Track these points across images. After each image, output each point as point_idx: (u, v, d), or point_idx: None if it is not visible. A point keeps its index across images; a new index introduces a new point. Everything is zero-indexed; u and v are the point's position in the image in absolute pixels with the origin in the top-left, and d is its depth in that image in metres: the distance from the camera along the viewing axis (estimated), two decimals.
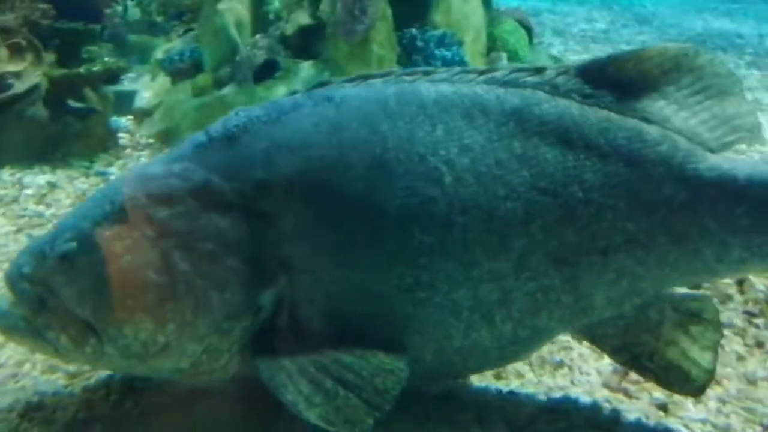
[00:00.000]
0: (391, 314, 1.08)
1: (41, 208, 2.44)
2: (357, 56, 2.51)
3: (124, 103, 3.34)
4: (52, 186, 2.61)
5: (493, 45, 2.98)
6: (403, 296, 1.07)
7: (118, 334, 1.07)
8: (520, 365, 1.47)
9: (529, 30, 3.44)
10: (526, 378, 1.44)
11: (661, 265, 1.12)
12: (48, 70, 2.85)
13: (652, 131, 1.11)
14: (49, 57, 3.04)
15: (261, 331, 1.08)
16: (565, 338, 1.57)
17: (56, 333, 1.09)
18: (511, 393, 1.38)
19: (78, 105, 2.93)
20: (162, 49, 3.47)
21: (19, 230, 2.23)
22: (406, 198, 1.06)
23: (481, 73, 1.15)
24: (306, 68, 2.63)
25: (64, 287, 1.08)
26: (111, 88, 3.25)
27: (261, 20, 2.99)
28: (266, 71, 2.64)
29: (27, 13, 2.98)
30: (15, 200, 2.48)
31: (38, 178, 2.67)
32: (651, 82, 1.13)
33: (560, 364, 1.47)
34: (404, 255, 1.06)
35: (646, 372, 1.21)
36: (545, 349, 1.52)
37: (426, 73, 1.15)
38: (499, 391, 1.38)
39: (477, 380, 1.40)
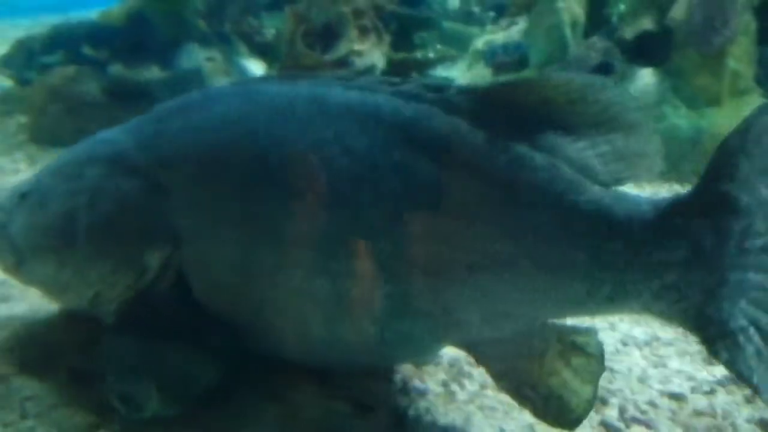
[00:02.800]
0: (256, 293, 1.16)
1: None
2: (708, 68, 2.35)
3: None
4: None
5: None
6: (266, 277, 1.15)
7: (32, 268, 1.28)
8: None
9: None
10: None
11: (531, 291, 1.09)
12: (388, 52, 3.10)
13: (537, 158, 1.09)
14: (386, 39, 3.31)
15: (146, 290, 1.20)
16: None
17: (2, 253, 1.32)
18: None
19: None
20: (483, 41, 3.58)
21: None
22: (279, 188, 1.14)
23: (393, 84, 1.18)
24: (645, 75, 2.53)
25: (13, 221, 1.30)
26: (431, 73, 3.44)
27: (596, 21, 2.94)
28: (600, 73, 2.59)
29: None
30: None
31: None
32: (555, 111, 1.09)
33: None
34: (269, 239, 1.14)
35: (526, 401, 1.16)
36: None
37: (347, 79, 1.21)
38: None
39: None
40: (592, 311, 1.14)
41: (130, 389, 1.12)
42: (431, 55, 2.99)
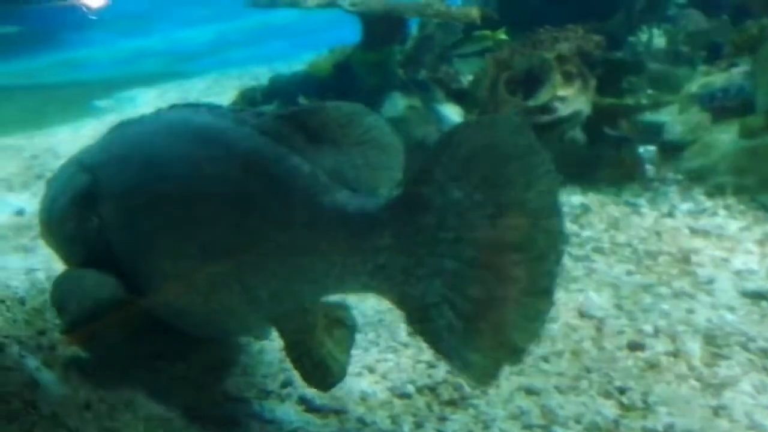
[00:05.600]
0: (142, 263, 1.53)
1: (575, 228, 2.59)
2: None
3: (648, 132, 3.32)
4: (585, 209, 2.74)
5: None
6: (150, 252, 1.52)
7: (42, 236, 1.83)
8: None
9: None
10: None
11: (298, 273, 1.35)
12: (595, 98, 2.99)
13: (305, 167, 1.34)
14: (591, 84, 3.20)
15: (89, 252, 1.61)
16: None
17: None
18: None
19: (614, 133, 3.02)
20: (698, 83, 3.34)
21: None
22: (144, 190, 1.51)
23: (235, 112, 1.46)
24: None
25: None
26: (639, 117, 3.27)
27: None
28: None
29: (581, 43, 3.17)
30: None
31: (572, 198, 2.84)
32: (329, 132, 1.37)
33: None
34: (144, 223, 1.51)
35: (301, 368, 1.43)
36: None
37: (210, 109, 1.50)
38: None
39: None
40: (332, 290, 1.38)
41: (64, 305, 1.64)
42: (644, 101, 2.83)
